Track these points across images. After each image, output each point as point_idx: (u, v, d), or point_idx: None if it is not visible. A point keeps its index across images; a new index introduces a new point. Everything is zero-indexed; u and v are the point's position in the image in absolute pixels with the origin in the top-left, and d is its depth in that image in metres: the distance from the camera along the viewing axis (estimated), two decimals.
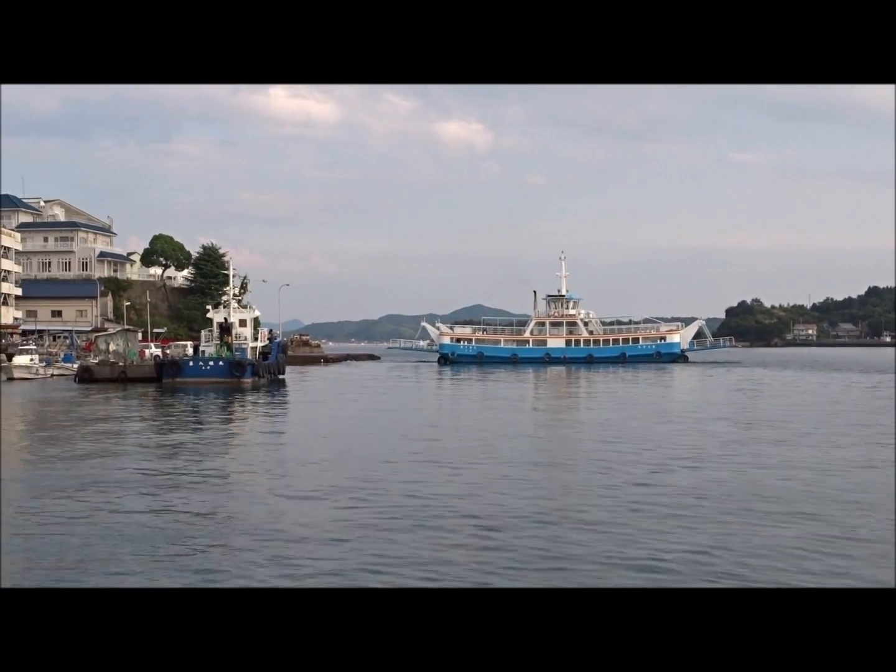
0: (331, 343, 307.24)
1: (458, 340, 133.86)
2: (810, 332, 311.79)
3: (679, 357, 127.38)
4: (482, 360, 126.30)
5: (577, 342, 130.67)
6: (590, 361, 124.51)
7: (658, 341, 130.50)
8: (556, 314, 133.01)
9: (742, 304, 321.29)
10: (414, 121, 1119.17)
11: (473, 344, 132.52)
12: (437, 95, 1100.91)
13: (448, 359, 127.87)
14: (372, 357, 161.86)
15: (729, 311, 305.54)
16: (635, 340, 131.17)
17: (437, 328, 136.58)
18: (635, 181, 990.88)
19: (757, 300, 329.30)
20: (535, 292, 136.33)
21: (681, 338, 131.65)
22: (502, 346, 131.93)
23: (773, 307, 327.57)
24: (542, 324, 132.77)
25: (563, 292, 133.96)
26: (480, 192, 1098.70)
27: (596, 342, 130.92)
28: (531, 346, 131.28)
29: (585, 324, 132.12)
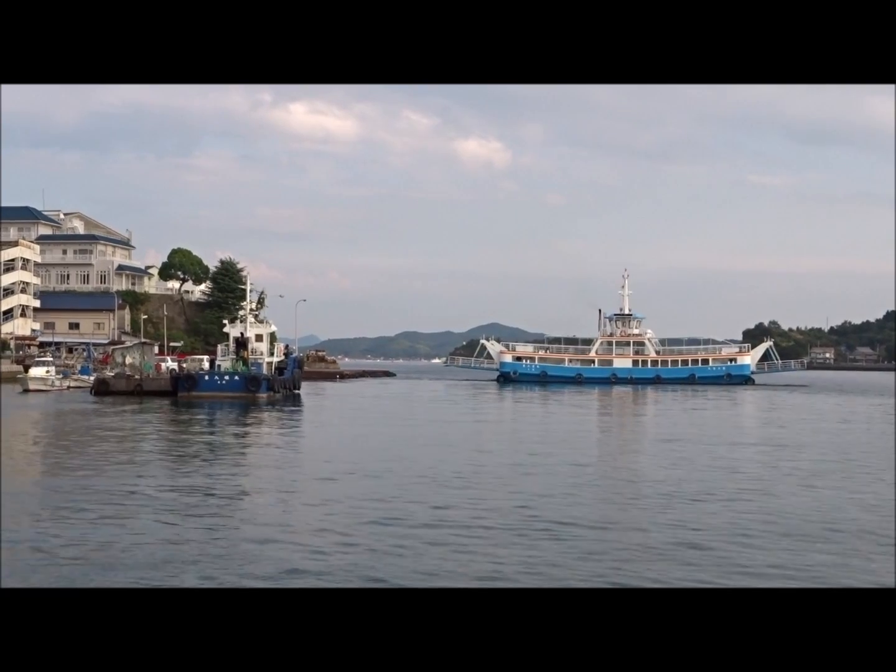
0: (346, 359, 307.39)
1: (520, 359, 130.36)
2: (828, 355, 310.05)
3: (746, 380, 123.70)
4: (545, 380, 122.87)
5: (644, 362, 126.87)
6: (657, 382, 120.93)
7: (728, 363, 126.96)
8: (622, 333, 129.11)
9: (759, 326, 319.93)
10: (433, 138, 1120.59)
11: (536, 363, 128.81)
12: (456, 113, 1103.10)
13: (509, 377, 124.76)
14: (387, 374, 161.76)
15: (746, 334, 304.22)
16: (705, 362, 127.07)
17: (493, 344, 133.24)
18: (654, 202, 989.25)
19: (774, 323, 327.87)
20: (600, 311, 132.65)
21: (751, 360, 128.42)
22: (567, 365, 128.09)
23: (790, 330, 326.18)
24: (608, 343, 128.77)
25: (627, 311, 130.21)
26: (498, 211, 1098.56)
27: (664, 363, 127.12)
28: (596, 365, 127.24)
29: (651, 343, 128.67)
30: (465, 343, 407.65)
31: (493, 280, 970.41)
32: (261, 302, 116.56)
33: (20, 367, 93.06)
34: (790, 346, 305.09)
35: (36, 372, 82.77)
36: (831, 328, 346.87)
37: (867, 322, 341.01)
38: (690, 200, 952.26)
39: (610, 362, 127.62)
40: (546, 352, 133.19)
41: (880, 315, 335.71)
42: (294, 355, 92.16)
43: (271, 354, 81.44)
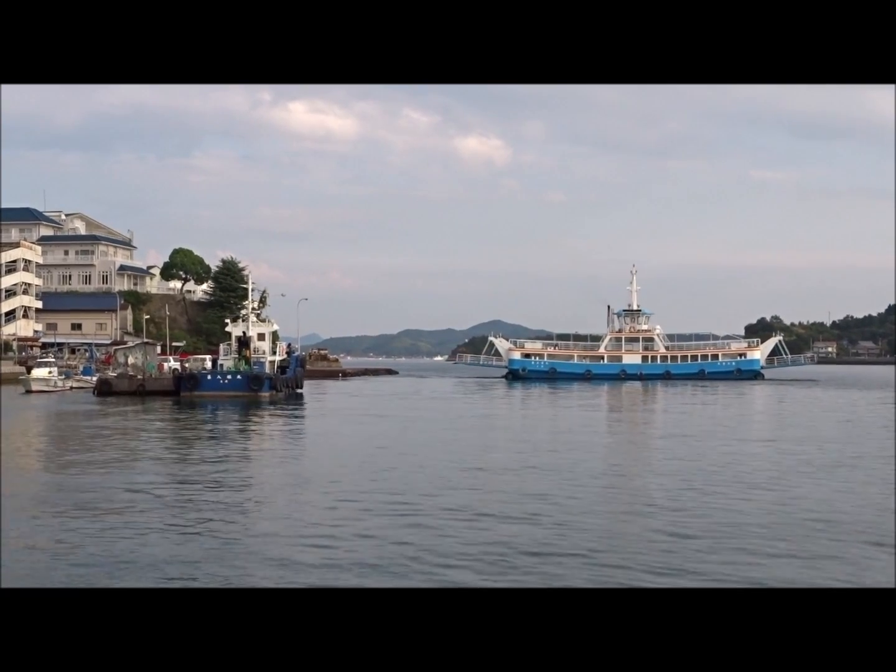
0: (349, 357, 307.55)
1: (529, 356, 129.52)
2: (830, 349, 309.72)
3: (756, 375, 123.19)
4: (555, 377, 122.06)
5: (654, 358, 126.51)
6: (667, 378, 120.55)
7: (738, 358, 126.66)
8: (631, 329, 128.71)
9: (761, 321, 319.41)
10: (433, 136, 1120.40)
11: (545, 359, 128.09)
12: (456, 111, 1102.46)
13: (518, 375, 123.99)
14: (390, 371, 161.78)
15: (748, 329, 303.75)
16: (714, 357, 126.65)
17: (501, 341, 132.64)
18: (655, 199, 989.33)
19: (776, 317, 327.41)
20: (608, 307, 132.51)
21: (760, 354, 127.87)
22: (576, 361, 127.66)
23: (792, 325, 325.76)
24: (617, 339, 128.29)
25: (636, 307, 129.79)
26: (499, 209, 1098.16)
27: (673, 358, 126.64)
28: (606, 362, 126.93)
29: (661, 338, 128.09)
30: (466, 340, 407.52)
31: (494, 278, 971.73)
32: (262, 301, 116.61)
33: (23, 369, 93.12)
34: (792, 341, 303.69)
35: (38, 373, 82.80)
36: (833, 322, 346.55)
37: (869, 316, 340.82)
38: (692, 196, 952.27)
39: (619, 358, 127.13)
40: (555, 348, 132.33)
41: (882, 309, 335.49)
42: (296, 354, 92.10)
43: (273, 353, 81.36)
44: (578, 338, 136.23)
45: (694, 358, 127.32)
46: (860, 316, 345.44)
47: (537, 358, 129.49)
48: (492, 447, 38.48)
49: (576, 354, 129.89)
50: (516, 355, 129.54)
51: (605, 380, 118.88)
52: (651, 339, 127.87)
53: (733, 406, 71.61)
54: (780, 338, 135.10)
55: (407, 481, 27.21)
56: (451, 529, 19.95)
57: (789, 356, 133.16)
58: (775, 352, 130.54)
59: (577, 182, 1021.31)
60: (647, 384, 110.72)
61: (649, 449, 39.62)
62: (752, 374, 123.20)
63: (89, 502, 23.26)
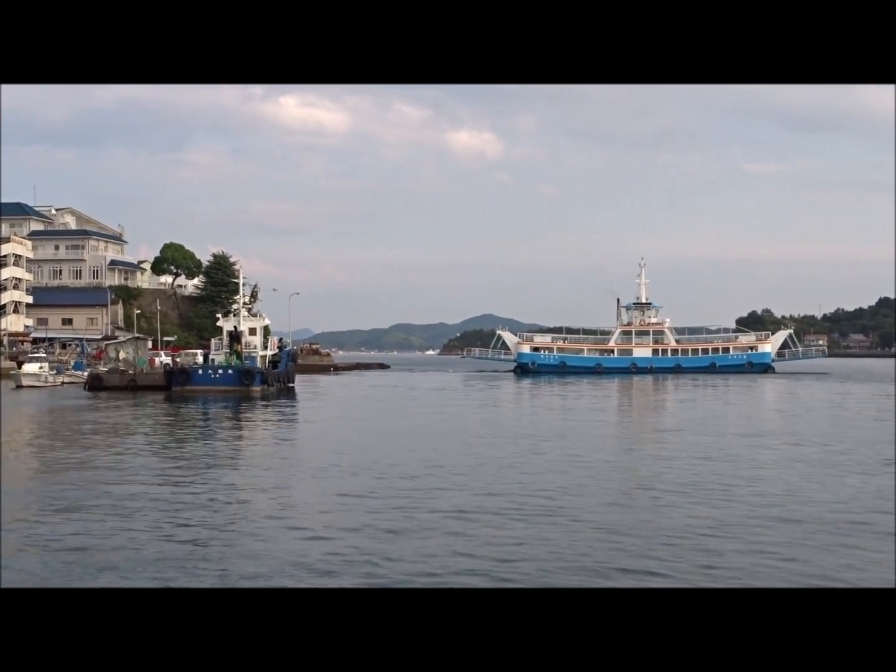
0: (340, 352, 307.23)
1: (538, 349, 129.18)
2: (821, 342, 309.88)
3: (767, 368, 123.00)
4: (564, 370, 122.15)
5: (664, 351, 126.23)
6: (678, 371, 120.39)
7: (749, 351, 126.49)
8: (642, 322, 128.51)
9: (752, 314, 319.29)
10: (425, 130, 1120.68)
11: (555, 353, 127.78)
12: (448, 105, 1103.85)
13: (527, 369, 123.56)
14: (382, 366, 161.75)
15: (739, 322, 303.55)
16: (725, 350, 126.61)
17: (510, 335, 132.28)
18: (648, 191, 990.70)
19: (767, 310, 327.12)
20: (618, 300, 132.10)
21: (771, 347, 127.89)
22: (585, 355, 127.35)
23: (783, 317, 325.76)
24: (627, 333, 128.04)
25: (645, 300, 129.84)
26: (492, 202, 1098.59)
27: (684, 352, 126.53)
28: (616, 355, 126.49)
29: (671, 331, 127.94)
30: (458, 334, 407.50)
31: (487, 271, 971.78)
32: (254, 296, 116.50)
33: (13, 364, 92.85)
34: None
35: (29, 368, 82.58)
36: (824, 315, 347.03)
37: (860, 309, 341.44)
38: (684, 190, 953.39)
39: (629, 352, 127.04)
40: (564, 342, 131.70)
41: (873, 301, 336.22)
42: (288, 349, 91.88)
43: (265, 348, 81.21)
44: (587, 331, 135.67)
45: (705, 351, 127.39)
46: (851, 309, 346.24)
47: (546, 352, 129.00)
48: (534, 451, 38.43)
49: (585, 348, 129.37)
50: (525, 349, 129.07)
51: (615, 373, 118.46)
52: (661, 333, 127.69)
53: (777, 402, 69.81)
54: (791, 331, 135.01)
55: (410, 482, 27.18)
56: (452, 528, 19.97)
57: (800, 349, 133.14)
58: (785, 345, 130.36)
59: (570, 175, 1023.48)
60: (658, 377, 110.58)
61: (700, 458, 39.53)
62: (762, 368, 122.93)
63: (85, 500, 23.21)
